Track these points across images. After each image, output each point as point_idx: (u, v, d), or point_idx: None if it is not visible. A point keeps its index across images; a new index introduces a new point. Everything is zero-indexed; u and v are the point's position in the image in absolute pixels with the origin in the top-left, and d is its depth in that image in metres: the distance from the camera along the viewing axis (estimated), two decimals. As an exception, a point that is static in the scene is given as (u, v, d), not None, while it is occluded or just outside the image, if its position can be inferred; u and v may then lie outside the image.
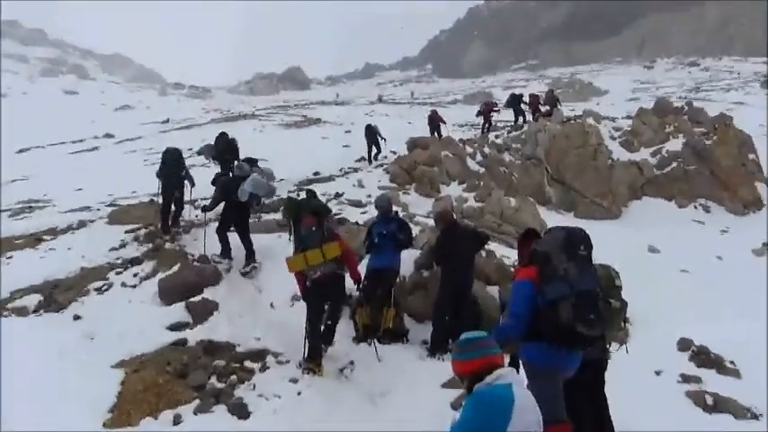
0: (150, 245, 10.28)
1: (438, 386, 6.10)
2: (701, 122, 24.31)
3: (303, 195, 9.10)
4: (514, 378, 3.08)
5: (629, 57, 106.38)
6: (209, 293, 8.18)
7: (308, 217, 7.11)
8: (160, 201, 11.24)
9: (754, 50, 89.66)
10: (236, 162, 9.92)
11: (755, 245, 16.84)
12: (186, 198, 11.31)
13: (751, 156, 23.45)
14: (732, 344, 8.58)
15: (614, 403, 4.80)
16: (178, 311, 7.78)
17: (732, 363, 7.85)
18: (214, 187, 10.25)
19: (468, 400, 3.02)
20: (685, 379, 7.12)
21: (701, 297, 11.74)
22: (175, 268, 8.80)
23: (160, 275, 8.75)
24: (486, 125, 25.97)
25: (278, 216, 11.81)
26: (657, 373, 7.32)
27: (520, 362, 4.29)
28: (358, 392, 6.33)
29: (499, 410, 2.86)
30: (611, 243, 11.27)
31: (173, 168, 11.01)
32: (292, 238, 7.05)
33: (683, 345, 8.20)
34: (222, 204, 9.62)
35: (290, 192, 15.05)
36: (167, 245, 10.26)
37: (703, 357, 7.80)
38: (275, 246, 9.85)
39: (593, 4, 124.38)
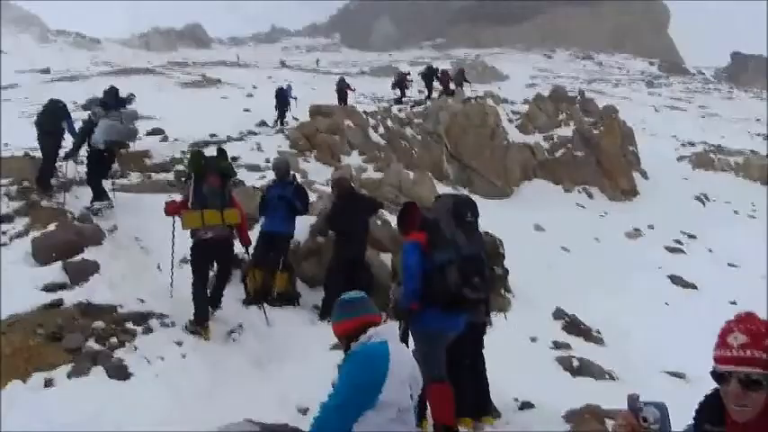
0: (23, 201, 9.51)
1: (327, 349, 6.16)
2: (590, 112, 25.87)
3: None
4: (389, 334, 3.17)
5: (532, 45, 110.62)
6: (89, 254, 7.68)
7: (213, 176, 6.81)
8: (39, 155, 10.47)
9: (642, 51, 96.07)
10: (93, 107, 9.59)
11: (628, 229, 18.31)
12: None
13: (631, 148, 25.36)
14: (600, 316, 9.36)
15: (491, 365, 5.08)
16: (54, 272, 7.22)
17: (598, 332, 8.56)
18: None
19: (346, 360, 3.09)
20: (556, 345, 7.70)
21: (578, 273, 12.63)
22: (52, 226, 8.20)
23: (34, 234, 8.12)
24: (402, 95, 26.34)
25: (169, 176, 11.34)
26: (532, 339, 7.83)
27: (409, 332, 4.46)
28: (245, 356, 6.26)
29: (376, 366, 2.93)
30: (501, 220, 11.83)
31: (53, 120, 10.22)
32: (191, 193, 6.74)
33: (557, 315, 8.83)
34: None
35: (183, 151, 14.42)
36: (44, 202, 9.54)
37: (574, 327, 8.44)
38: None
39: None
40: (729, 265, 16.06)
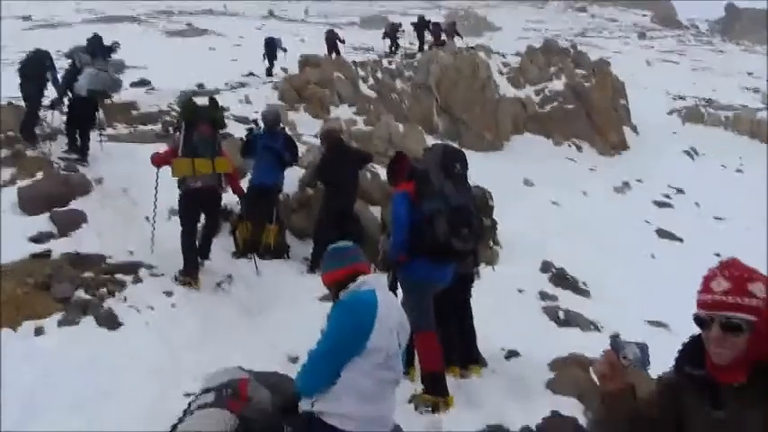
0: (8, 151, 9.35)
1: (317, 300, 6.22)
2: (582, 65, 25.58)
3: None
4: (377, 284, 3.19)
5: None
6: (77, 204, 7.63)
7: (204, 125, 6.76)
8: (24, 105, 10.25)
9: (635, 2, 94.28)
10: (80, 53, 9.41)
11: (617, 183, 18.42)
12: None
13: (622, 101, 25.21)
14: (587, 269, 9.49)
15: (479, 315, 5.16)
16: (41, 222, 7.18)
17: (584, 284, 8.70)
18: None
19: (334, 309, 3.13)
20: (543, 296, 7.83)
21: (567, 227, 12.73)
22: (39, 176, 8.12)
23: (21, 184, 8.03)
24: (394, 46, 25.86)
25: (156, 127, 11.18)
26: (520, 291, 7.95)
27: (398, 281, 4.51)
28: (235, 306, 6.32)
29: (363, 314, 2.97)
30: (491, 174, 11.85)
31: (37, 69, 9.98)
32: (181, 141, 6.70)
33: (545, 267, 8.96)
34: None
35: (170, 103, 14.15)
36: (29, 152, 9.40)
37: (561, 279, 8.58)
38: (152, 157, 9.35)
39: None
40: (715, 218, 16.27)
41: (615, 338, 1.93)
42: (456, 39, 25.76)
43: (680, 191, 18.59)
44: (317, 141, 11.20)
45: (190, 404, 3.26)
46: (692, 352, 1.90)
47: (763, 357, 1.75)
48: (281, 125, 8.58)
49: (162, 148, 9.61)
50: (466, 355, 4.99)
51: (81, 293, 5.81)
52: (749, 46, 64.99)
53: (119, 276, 6.28)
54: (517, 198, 13.33)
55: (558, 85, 23.41)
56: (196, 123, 6.68)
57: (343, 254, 3.27)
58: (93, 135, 9.63)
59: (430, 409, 4.12)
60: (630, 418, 1.93)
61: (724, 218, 16.28)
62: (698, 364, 1.86)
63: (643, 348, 1.88)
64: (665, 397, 1.97)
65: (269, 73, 20.30)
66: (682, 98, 32.15)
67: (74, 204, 7.62)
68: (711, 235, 14.04)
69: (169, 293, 6.16)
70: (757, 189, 18.89)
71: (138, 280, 6.31)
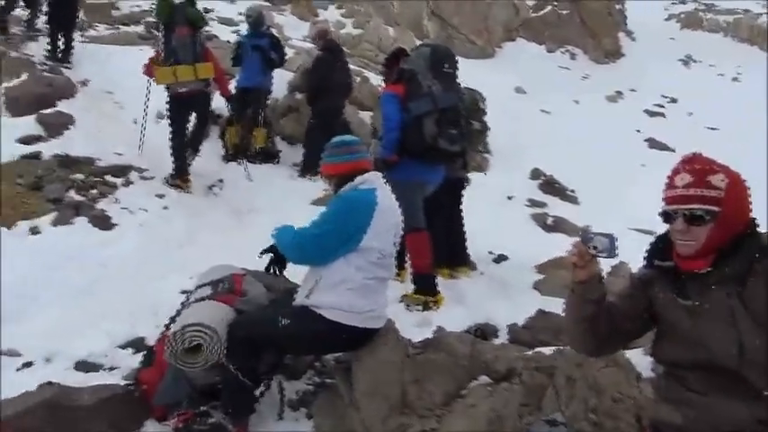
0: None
1: (307, 203, 6.28)
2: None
3: None
4: (379, 183, 3.20)
5: None
6: (63, 106, 7.48)
7: (182, 26, 6.53)
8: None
9: None
10: None
11: (609, 92, 18.16)
12: None
13: (617, 6, 24.38)
14: (576, 177, 9.53)
15: (469, 220, 5.21)
16: (29, 124, 7.05)
17: (573, 191, 8.77)
18: None
19: (334, 200, 3.15)
20: (532, 203, 7.90)
21: (558, 135, 12.64)
22: (23, 77, 7.88)
23: (5, 85, 7.80)
24: None
25: (139, 28, 10.77)
26: (509, 197, 8.01)
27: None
28: (226, 209, 6.39)
29: (361, 211, 3.00)
30: (482, 81, 11.61)
31: None
32: (161, 44, 6.50)
33: (535, 174, 9.00)
34: None
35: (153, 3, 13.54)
36: (13, 53, 9.08)
37: (550, 186, 8.66)
38: (139, 60, 9.05)
39: None
40: (708, 128, 16.17)
41: (585, 230, 2.01)
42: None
43: (673, 100, 18.35)
44: (305, 44, 10.88)
45: (187, 298, 3.37)
46: (660, 246, 2.00)
47: (724, 244, 1.84)
48: (268, 25, 8.27)
49: (146, 50, 9.40)
50: (455, 257, 5.06)
51: (72, 194, 5.85)
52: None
53: (109, 179, 6.30)
54: (509, 107, 13.13)
55: (553, -14, 22.52)
56: (173, 25, 6.45)
57: (348, 148, 3.25)
58: (76, 36, 9.28)
59: (420, 307, 4.22)
60: (598, 303, 2.04)
61: (717, 128, 16.16)
62: (666, 257, 1.96)
63: (611, 239, 1.95)
64: (637, 289, 2.09)
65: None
66: (682, 2, 31.12)
67: (59, 107, 7.46)
68: (703, 145, 13.69)
69: (161, 196, 6.21)
70: (754, 98, 18.69)
71: (128, 182, 6.34)
